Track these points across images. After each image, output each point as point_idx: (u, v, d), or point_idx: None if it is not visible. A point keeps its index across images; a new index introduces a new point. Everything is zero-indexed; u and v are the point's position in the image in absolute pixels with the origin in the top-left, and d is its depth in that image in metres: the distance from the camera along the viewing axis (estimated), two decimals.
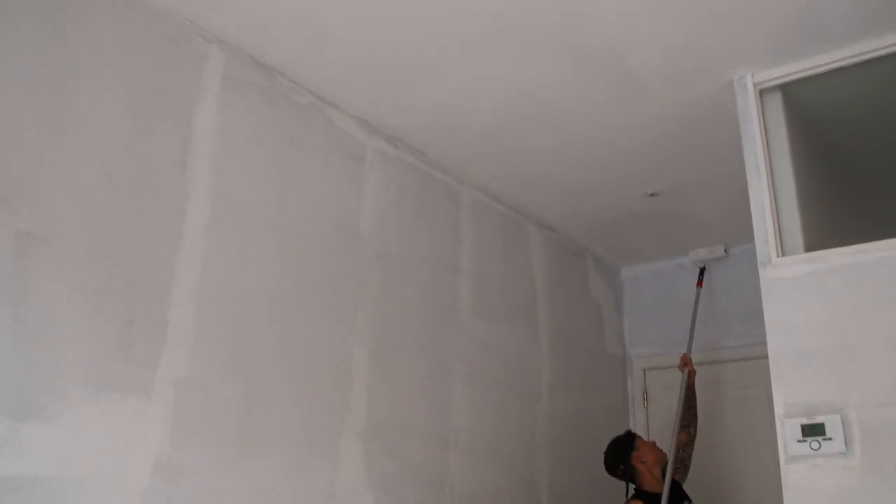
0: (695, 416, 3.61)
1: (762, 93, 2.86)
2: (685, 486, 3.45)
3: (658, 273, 4.97)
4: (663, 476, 3.40)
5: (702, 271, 4.58)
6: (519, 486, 3.71)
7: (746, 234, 2.77)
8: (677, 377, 4.59)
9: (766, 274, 2.66)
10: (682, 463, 3.51)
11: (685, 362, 3.84)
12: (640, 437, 3.50)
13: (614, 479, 3.47)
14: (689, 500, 3.34)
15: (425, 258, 3.39)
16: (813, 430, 2.41)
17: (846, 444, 2.36)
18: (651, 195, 3.95)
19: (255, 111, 2.73)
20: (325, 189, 2.95)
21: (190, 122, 2.48)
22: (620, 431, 3.58)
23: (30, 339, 1.97)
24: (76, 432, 2.03)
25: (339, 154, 3.04)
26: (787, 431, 2.46)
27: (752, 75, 2.86)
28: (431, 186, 3.52)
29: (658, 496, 3.28)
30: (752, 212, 2.76)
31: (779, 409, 2.51)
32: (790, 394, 2.51)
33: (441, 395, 3.33)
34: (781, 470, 2.46)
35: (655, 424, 4.68)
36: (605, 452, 3.48)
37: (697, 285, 4.52)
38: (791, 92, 2.87)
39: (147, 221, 2.29)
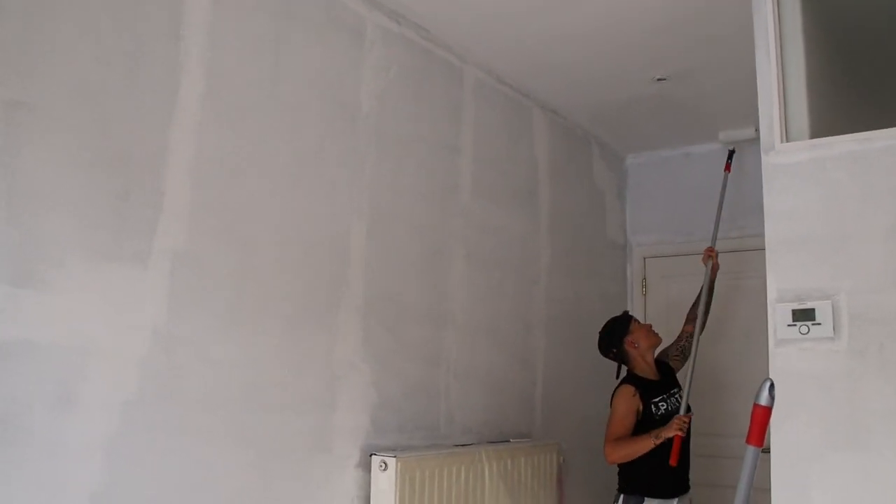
0: (707, 311, 3.57)
1: None
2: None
3: (664, 161, 4.93)
4: (656, 361, 3.46)
5: (730, 154, 4.32)
6: (514, 366, 3.80)
7: (753, 124, 2.72)
8: (677, 266, 4.66)
9: (768, 160, 2.64)
10: (682, 352, 3.55)
11: (709, 255, 3.69)
12: (636, 319, 3.50)
13: (607, 361, 3.53)
14: (679, 388, 3.38)
15: (426, 138, 3.36)
16: (803, 315, 2.45)
17: (834, 330, 2.39)
18: (659, 80, 3.87)
19: None
20: (323, 65, 2.89)
21: None
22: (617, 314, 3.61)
23: (25, 209, 1.98)
24: (73, 299, 2.06)
25: (338, 29, 2.96)
26: (778, 316, 2.50)
27: None
28: (433, 65, 3.45)
29: (649, 382, 3.33)
30: (759, 96, 2.71)
31: (771, 294, 2.54)
32: (784, 279, 2.53)
33: (439, 275, 3.37)
34: (770, 353, 2.50)
35: (653, 311, 4.75)
36: (600, 333, 3.50)
37: (725, 169, 4.25)
38: None
39: (140, 92, 2.26)
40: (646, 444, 3.09)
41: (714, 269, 3.65)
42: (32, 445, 1.95)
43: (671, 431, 3.06)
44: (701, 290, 3.61)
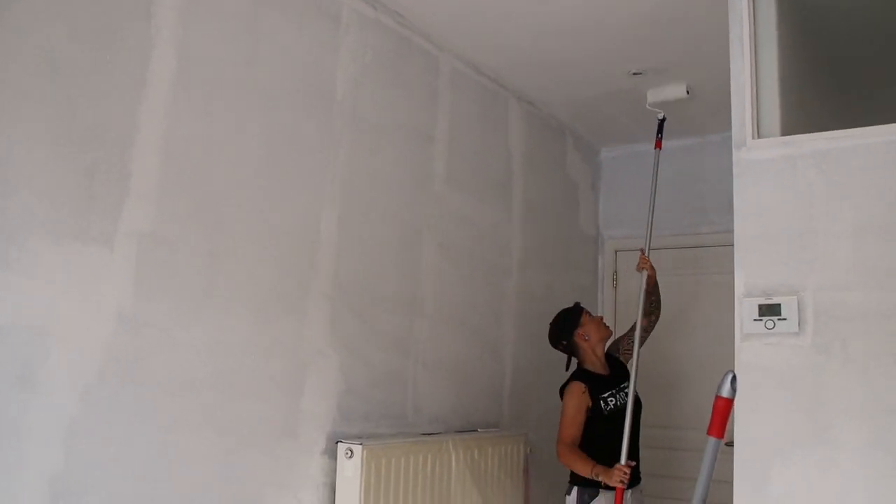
0: (657, 306, 3.48)
1: None
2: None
3: (638, 155, 4.94)
4: (606, 355, 3.42)
5: (661, 126, 3.86)
6: (483, 356, 3.81)
7: (728, 121, 2.73)
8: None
9: (739, 155, 2.66)
10: (636, 348, 3.38)
11: (643, 264, 3.42)
12: (587, 312, 3.44)
13: None
14: (629, 383, 3.30)
15: (400, 125, 3.35)
16: (769, 310, 2.47)
17: (799, 325, 2.42)
18: (635, 74, 3.89)
19: None
20: (298, 49, 2.87)
21: None
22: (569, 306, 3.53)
23: None
24: (37, 281, 2.03)
25: (314, 14, 2.94)
26: (744, 310, 2.52)
27: None
28: (409, 52, 3.43)
29: (598, 377, 3.29)
30: (732, 93, 2.73)
31: (739, 289, 2.56)
32: (751, 275, 2.55)
33: (411, 264, 3.36)
34: (736, 347, 2.52)
35: (623, 305, 4.77)
36: (551, 324, 3.46)
37: (656, 146, 3.79)
38: None
39: (109, 70, 2.22)
40: (585, 471, 3.06)
41: (650, 280, 3.40)
42: None
43: (612, 481, 2.99)
44: (639, 297, 3.40)
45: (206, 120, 2.51)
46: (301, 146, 2.85)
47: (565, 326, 3.39)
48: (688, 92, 3.96)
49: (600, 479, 3.02)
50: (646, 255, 3.45)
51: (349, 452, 2.81)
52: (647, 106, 4.05)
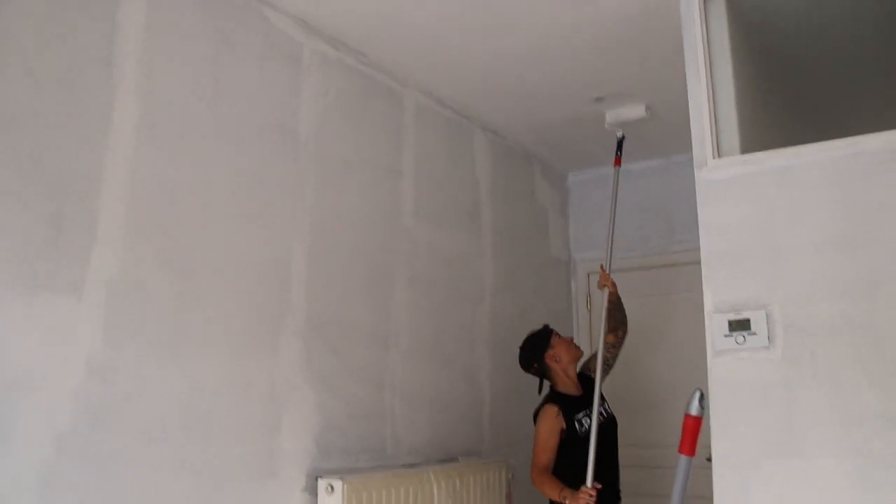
0: (623, 321, 3.46)
1: None
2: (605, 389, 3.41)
3: (605, 178, 4.96)
4: (578, 375, 3.39)
5: (620, 144, 3.84)
6: (460, 385, 3.81)
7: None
8: (621, 281, 4.62)
9: (701, 175, 2.70)
10: (606, 363, 3.37)
11: (604, 281, 3.43)
12: (556, 333, 3.43)
13: None
14: (605, 401, 3.34)
15: (366, 161, 3.37)
16: (739, 325, 2.50)
17: (769, 339, 2.44)
18: (597, 100, 3.95)
19: (187, 9, 2.64)
20: (261, 91, 2.89)
21: (113, 20, 2.39)
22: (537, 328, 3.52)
23: None
24: (5, 332, 2.02)
25: (275, 55, 2.97)
26: (714, 326, 2.54)
27: None
28: (373, 89, 3.46)
29: (571, 398, 3.27)
30: (691, 114, 2.77)
31: (708, 306, 2.59)
32: (719, 291, 2.58)
33: (382, 297, 3.37)
34: (708, 363, 2.54)
35: (597, 327, 4.78)
36: (520, 348, 3.43)
37: (615, 164, 3.77)
38: None
39: (72, 119, 2.24)
40: (554, 495, 3.05)
41: (611, 298, 3.40)
42: None
43: (578, 503, 2.97)
44: (602, 315, 3.40)
45: (171, 163, 2.52)
46: (268, 185, 2.87)
47: (535, 349, 3.38)
48: (647, 111, 4.01)
49: (567, 502, 3.00)
50: (607, 271, 3.47)
51: (330, 488, 2.79)
52: (606, 126, 4.08)
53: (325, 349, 3.00)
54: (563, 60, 3.50)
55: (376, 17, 3.11)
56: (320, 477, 2.85)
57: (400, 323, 3.44)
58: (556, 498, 3.06)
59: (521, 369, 3.46)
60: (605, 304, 3.40)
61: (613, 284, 3.43)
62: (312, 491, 2.84)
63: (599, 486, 3.04)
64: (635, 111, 4.02)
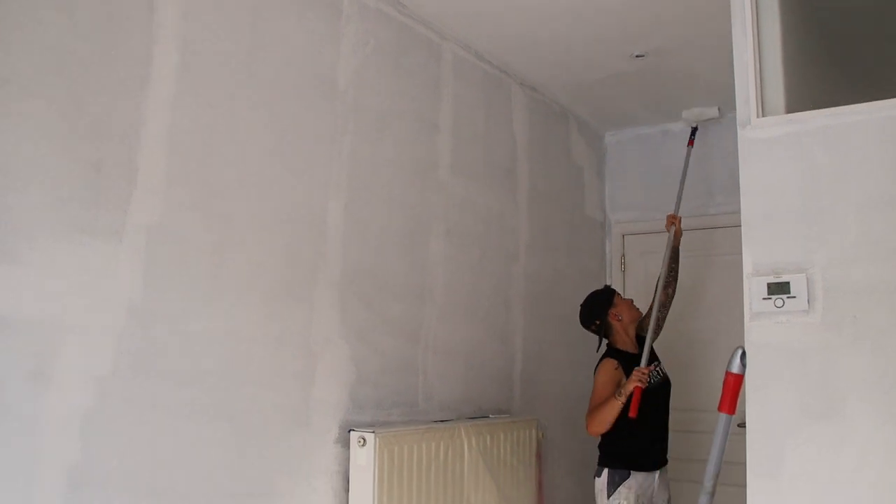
0: (675, 278, 3.57)
1: None
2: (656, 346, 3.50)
3: (643, 138, 4.94)
4: (637, 335, 3.48)
5: (693, 131, 4.42)
6: (493, 342, 3.81)
7: (732, 102, 2.72)
8: (656, 243, 4.66)
9: (744, 134, 2.64)
10: (657, 323, 3.50)
11: (671, 221, 3.68)
12: (618, 293, 3.52)
13: (586, 338, 3.55)
14: (659, 361, 3.41)
15: (404, 114, 3.35)
16: (778, 289, 2.46)
17: (808, 303, 2.40)
18: (637, 56, 3.88)
19: None
20: (299, 41, 2.87)
21: None
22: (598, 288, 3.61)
23: None
24: (46, 274, 2.04)
25: (315, 4, 2.93)
26: (753, 289, 2.50)
27: None
28: (412, 41, 3.42)
29: (630, 355, 3.35)
30: (735, 71, 2.70)
31: (747, 268, 2.55)
32: (759, 253, 2.53)
33: (418, 251, 3.37)
34: (745, 326, 2.51)
35: (631, 289, 4.77)
36: (582, 306, 3.51)
37: (689, 144, 4.33)
38: None
39: (112, 64, 2.23)
40: (614, 405, 3.13)
41: (677, 236, 3.63)
42: (7, 421, 1.94)
43: (631, 384, 3.10)
44: (664, 256, 3.59)
45: (210, 112, 2.52)
46: (305, 136, 2.86)
47: (598, 307, 3.45)
48: (719, 111, 4.40)
49: (624, 392, 3.10)
50: (676, 215, 3.70)
51: (362, 441, 2.82)
52: (682, 121, 4.58)
53: (360, 302, 3.01)
54: (603, 14, 3.43)
55: None
56: (353, 429, 2.87)
57: (435, 278, 3.44)
58: (616, 407, 3.13)
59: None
60: (670, 243, 3.58)
61: (679, 225, 3.63)
62: (345, 443, 2.87)
63: (653, 366, 3.20)
64: (708, 112, 4.43)
